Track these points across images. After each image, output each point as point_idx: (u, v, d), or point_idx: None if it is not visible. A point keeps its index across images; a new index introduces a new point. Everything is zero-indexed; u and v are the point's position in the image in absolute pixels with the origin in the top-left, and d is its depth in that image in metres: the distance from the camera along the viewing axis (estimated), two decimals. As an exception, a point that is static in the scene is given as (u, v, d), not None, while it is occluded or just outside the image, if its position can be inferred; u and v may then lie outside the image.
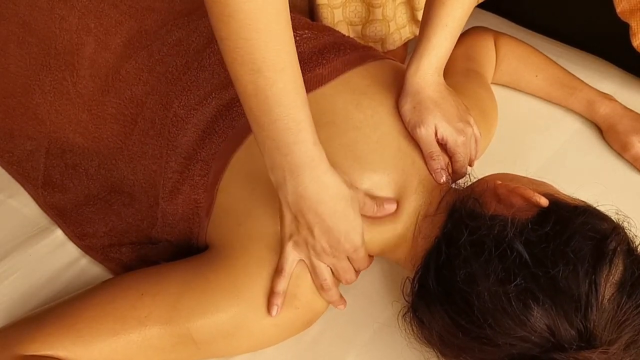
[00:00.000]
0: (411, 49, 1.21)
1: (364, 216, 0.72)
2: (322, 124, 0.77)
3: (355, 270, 0.74)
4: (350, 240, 0.69)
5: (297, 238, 0.69)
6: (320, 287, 0.73)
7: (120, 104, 0.87)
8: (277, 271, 0.71)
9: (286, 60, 0.58)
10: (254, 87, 0.58)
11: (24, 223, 0.90)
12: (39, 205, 0.92)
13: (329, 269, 0.72)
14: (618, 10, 1.01)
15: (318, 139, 0.63)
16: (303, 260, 0.72)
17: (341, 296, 0.75)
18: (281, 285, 0.71)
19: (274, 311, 0.71)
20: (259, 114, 0.60)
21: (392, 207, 0.75)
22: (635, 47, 1.01)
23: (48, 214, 0.91)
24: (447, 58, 0.83)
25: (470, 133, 0.81)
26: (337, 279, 0.74)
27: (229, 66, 0.58)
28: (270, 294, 0.71)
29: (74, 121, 0.90)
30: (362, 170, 0.75)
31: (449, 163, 0.81)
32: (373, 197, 0.74)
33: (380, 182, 0.75)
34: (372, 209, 0.73)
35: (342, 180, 0.67)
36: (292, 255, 0.71)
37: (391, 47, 1.15)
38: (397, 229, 0.75)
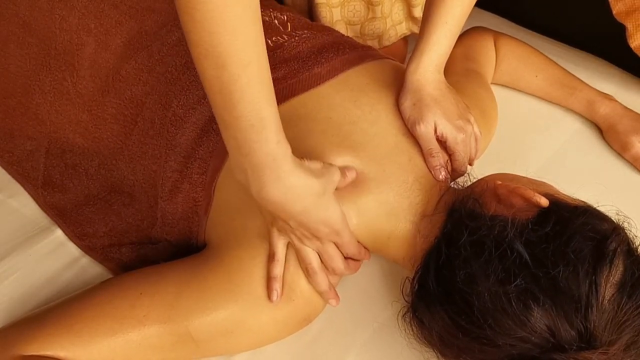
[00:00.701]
0: (411, 47, 1.21)
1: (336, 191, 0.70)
2: (318, 118, 0.77)
3: (344, 257, 0.73)
4: (330, 225, 0.68)
5: (279, 225, 0.69)
6: (305, 271, 0.72)
7: (120, 104, 0.87)
8: (270, 257, 0.71)
9: (251, 56, 0.55)
10: (219, 83, 0.56)
11: (24, 223, 0.90)
12: (39, 205, 0.92)
13: (315, 253, 0.72)
14: (614, 11, 1.01)
15: (285, 136, 0.61)
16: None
17: (332, 288, 0.74)
18: (276, 270, 0.71)
19: (274, 296, 0.71)
20: (223, 111, 0.58)
21: (353, 173, 0.72)
22: (633, 49, 1.01)
23: (48, 214, 0.91)
24: (448, 56, 0.83)
25: (470, 131, 0.81)
26: (326, 267, 0.73)
27: (195, 61, 0.56)
28: (268, 280, 0.71)
29: (74, 121, 0.90)
30: (356, 162, 0.74)
31: (448, 161, 0.81)
32: (336, 167, 0.71)
33: (375, 178, 0.75)
34: (342, 183, 0.71)
35: (309, 174, 0.64)
36: (280, 240, 0.70)
37: (387, 43, 1.15)
38: (385, 220, 0.75)
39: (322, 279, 0.72)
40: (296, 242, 0.70)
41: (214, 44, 0.54)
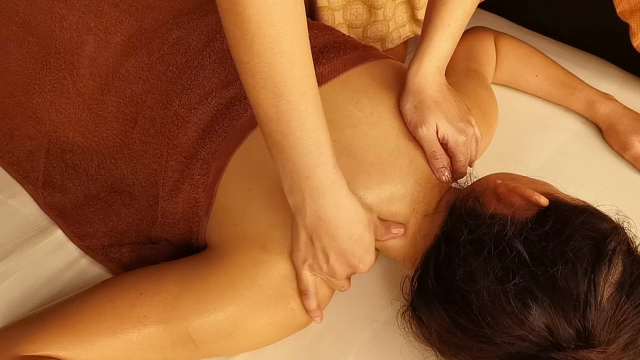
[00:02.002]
0: (412, 48, 1.21)
1: None
2: None
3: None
4: (365, 263, 0.71)
5: (311, 262, 0.70)
6: (301, 293, 0.73)
7: (120, 102, 0.87)
8: (302, 293, 0.73)
9: (308, 84, 0.57)
10: (276, 111, 0.57)
11: (24, 223, 0.90)
12: (39, 206, 0.92)
13: (313, 278, 0.73)
14: (618, 10, 1.01)
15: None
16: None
17: (320, 308, 0.75)
18: (312, 304, 0.73)
19: (319, 320, 0.75)
20: (280, 137, 0.59)
21: (399, 231, 0.75)
22: (636, 47, 1.01)
23: (48, 214, 0.91)
24: (449, 58, 0.83)
25: (471, 133, 0.81)
26: (331, 286, 0.75)
27: (250, 90, 0.57)
28: (308, 312, 0.74)
29: (74, 120, 0.90)
30: (358, 167, 0.75)
31: (450, 162, 0.81)
32: (382, 220, 0.74)
33: (375, 184, 0.75)
34: (381, 233, 0.73)
35: (360, 204, 0.67)
36: (311, 278, 0.72)
37: (390, 46, 1.15)
38: (399, 242, 0.76)
39: (314, 302, 0.74)
40: (307, 270, 0.72)
41: (272, 74, 0.55)
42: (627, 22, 1.01)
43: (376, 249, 0.75)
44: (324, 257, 0.69)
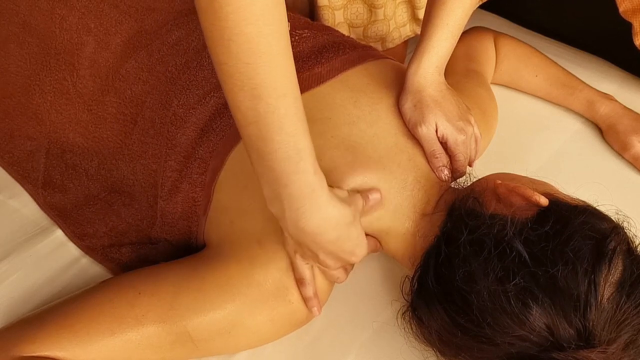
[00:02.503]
0: (412, 48, 1.21)
1: None
2: (317, 119, 0.77)
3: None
4: (356, 254, 0.70)
5: (302, 254, 0.70)
6: (298, 282, 0.73)
7: (120, 103, 0.87)
8: (299, 282, 0.72)
9: (287, 86, 0.55)
10: (255, 114, 0.55)
11: (24, 223, 0.90)
12: (39, 206, 0.92)
13: (310, 267, 0.72)
14: (621, 9, 1.01)
15: (314, 142, 0.61)
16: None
17: (317, 297, 0.74)
18: (308, 291, 0.73)
19: (316, 312, 0.74)
20: (259, 142, 0.57)
21: (377, 195, 0.73)
22: (638, 47, 1.01)
23: (48, 215, 0.91)
24: (448, 57, 0.83)
25: (470, 132, 0.81)
26: (327, 277, 0.75)
27: (228, 93, 0.55)
28: (305, 300, 0.73)
29: (74, 121, 0.90)
30: (355, 160, 0.74)
31: (449, 162, 0.81)
32: (359, 194, 0.72)
33: (373, 177, 0.75)
34: (362, 206, 0.72)
35: (343, 203, 0.65)
36: (305, 266, 0.72)
37: (390, 45, 1.15)
38: (385, 217, 0.75)
39: (310, 289, 0.73)
40: (300, 260, 0.71)
41: (250, 75, 0.53)
42: (629, 21, 1.01)
43: (380, 245, 0.75)
44: (313, 256, 0.68)
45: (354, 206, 0.69)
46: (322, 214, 0.63)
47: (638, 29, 1.00)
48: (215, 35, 0.52)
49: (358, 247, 0.70)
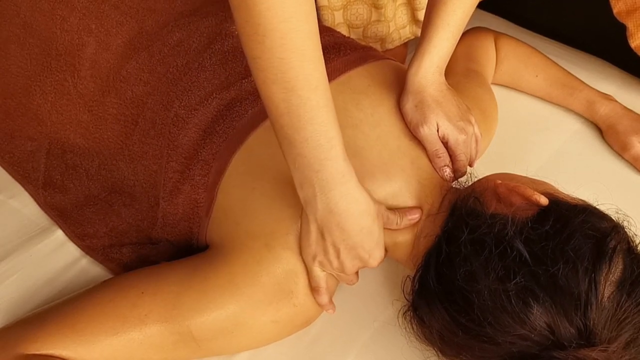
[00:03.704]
0: (412, 49, 1.21)
1: (386, 228, 0.73)
2: None
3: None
4: (375, 257, 0.71)
5: (322, 259, 0.71)
6: (313, 290, 0.74)
7: (121, 104, 0.87)
8: (314, 290, 0.73)
9: (319, 79, 0.58)
10: (287, 106, 0.58)
11: (24, 223, 0.90)
12: (40, 206, 0.92)
13: (324, 275, 0.73)
14: (615, 11, 1.01)
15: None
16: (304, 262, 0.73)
17: (332, 301, 0.76)
18: (324, 299, 0.74)
19: (332, 311, 0.76)
20: (291, 132, 0.60)
21: (415, 216, 0.75)
22: (633, 48, 1.01)
23: (48, 215, 0.91)
24: (449, 57, 0.83)
25: (471, 132, 0.81)
26: (341, 281, 0.76)
27: (260, 85, 0.58)
28: (321, 306, 0.75)
29: (74, 122, 0.90)
30: (361, 168, 0.75)
31: (450, 161, 0.81)
32: (394, 210, 0.74)
33: (379, 186, 0.75)
34: (396, 222, 0.74)
35: (369, 196, 0.68)
36: (322, 274, 0.73)
37: (390, 46, 1.15)
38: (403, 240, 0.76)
39: (326, 297, 0.74)
40: (317, 266, 0.72)
41: (283, 69, 0.55)
42: (624, 22, 1.01)
43: (385, 250, 0.75)
44: (334, 252, 0.69)
45: (380, 208, 0.71)
46: (351, 197, 0.65)
47: (632, 30, 1.00)
48: (249, 31, 0.54)
49: (377, 248, 0.71)
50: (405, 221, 0.74)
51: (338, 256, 0.70)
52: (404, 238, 0.76)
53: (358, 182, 0.66)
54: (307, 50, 0.55)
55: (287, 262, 0.72)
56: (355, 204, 0.66)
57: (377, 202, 0.70)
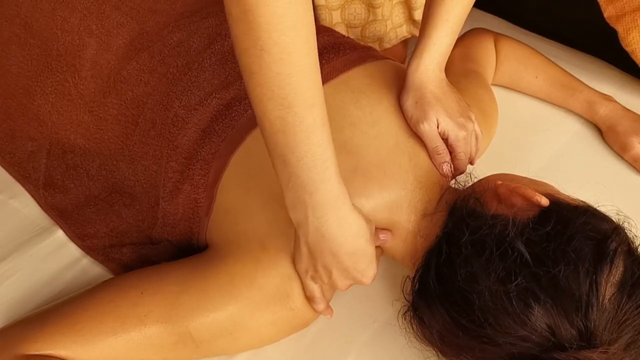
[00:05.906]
0: (411, 48, 1.22)
1: None
2: None
3: None
4: (367, 276, 0.71)
5: (313, 275, 0.70)
6: (309, 299, 0.74)
7: (121, 104, 0.87)
8: (310, 299, 0.73)
9: (316, 96, 0.56)
10: (282, 123, 0.56)
11: (25, 224, 0.90)
12: (40, 206, 0.92)
13: (318, 285, 0.73)
14: (605, 15, 1.02)
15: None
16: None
17: (329, 306, 0.76)
18: (320, 306, 0.74)
19: (330, 316, 0.76)
20: (286, 150, 0.58)
21: (387, 237, 0.75)
22: (629, 53, 1.01)
23: (49, 215, 0.91)
24: (448, 54, 0.83)
25: (471, 128, 0.81)
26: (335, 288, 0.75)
27: (256, 101, 0.55)
28: (318, 313, 0.75)
29: (75, 122, 0.90)
30: (357, 166, 0.75)
31: (450, 158, 0.81)
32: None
33: (374, 185, 0.75)
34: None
35: (362, 217, 0.66)
36: (315, 286, 0.72)
37: (387, 46, 1.15)
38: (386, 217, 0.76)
39: (322, 304, 0.74)
40: (310, 280, 0.72)
41: (281, 85, 0.53)
42: (614, 27, 1.01)
43: (381, 249, 0.75)
44: (326, 273, 0.69)
45: (371, 225, 0.69)
46: (344, 222, 0.64)
47: (622, 35, 1.01)
48: (247, 45, 0.52)
49: (370, 267, 0.70)
50: (377, 240, 0.74)
51: (330, 276, 0.69)
52: (393, 243, 0.76)
53: (351, 204, 0.64)
54: (306, 66, 0.54)
55: (282, 266, 0.72)
56: (348, 228, 0.64)
57: (368, 219, 0.69)
